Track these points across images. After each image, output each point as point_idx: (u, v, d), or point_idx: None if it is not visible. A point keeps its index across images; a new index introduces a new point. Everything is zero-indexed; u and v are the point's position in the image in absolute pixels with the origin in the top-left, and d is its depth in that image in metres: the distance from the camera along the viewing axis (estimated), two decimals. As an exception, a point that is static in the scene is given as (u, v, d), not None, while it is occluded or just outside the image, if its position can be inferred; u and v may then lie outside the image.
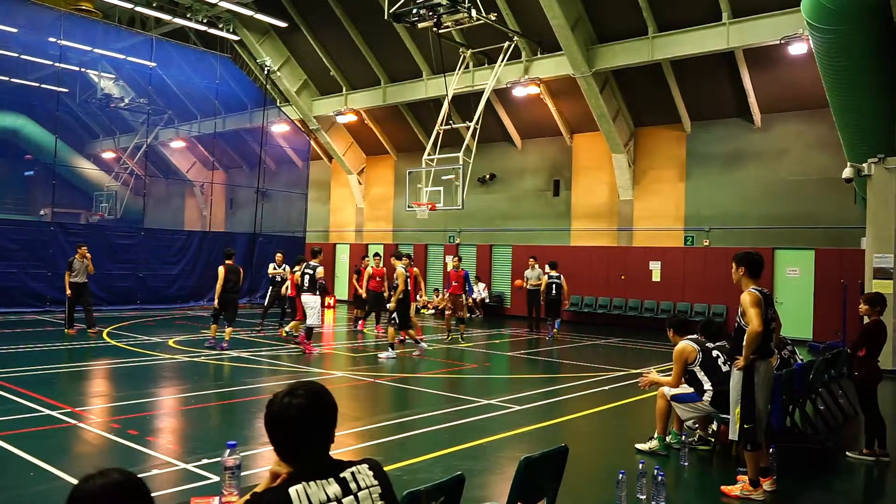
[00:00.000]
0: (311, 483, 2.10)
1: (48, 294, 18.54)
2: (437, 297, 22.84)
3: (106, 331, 14.93)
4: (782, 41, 15.42)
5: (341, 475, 2.17)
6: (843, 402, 8.68)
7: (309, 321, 12.57)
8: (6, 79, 23.98)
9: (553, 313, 16.48)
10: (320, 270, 12.47)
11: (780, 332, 5.80)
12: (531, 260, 17.54)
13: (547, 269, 16.77)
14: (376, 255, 15.91)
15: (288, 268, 15.63)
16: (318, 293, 12.48)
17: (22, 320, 16.58)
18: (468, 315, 15.22)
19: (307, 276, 12.51)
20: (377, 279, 15.18)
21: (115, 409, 8.10)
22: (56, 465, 5.64)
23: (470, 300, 15.56)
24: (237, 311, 13.40)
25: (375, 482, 2.22)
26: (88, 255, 14.71)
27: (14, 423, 6.97)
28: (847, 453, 6.82)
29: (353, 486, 2.16)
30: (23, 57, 22.89)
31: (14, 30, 21.03)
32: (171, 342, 13.53)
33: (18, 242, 18.29)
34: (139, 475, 1.83)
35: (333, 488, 2.12)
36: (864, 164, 13.00)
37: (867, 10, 10.60)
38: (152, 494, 1.82)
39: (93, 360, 11.62)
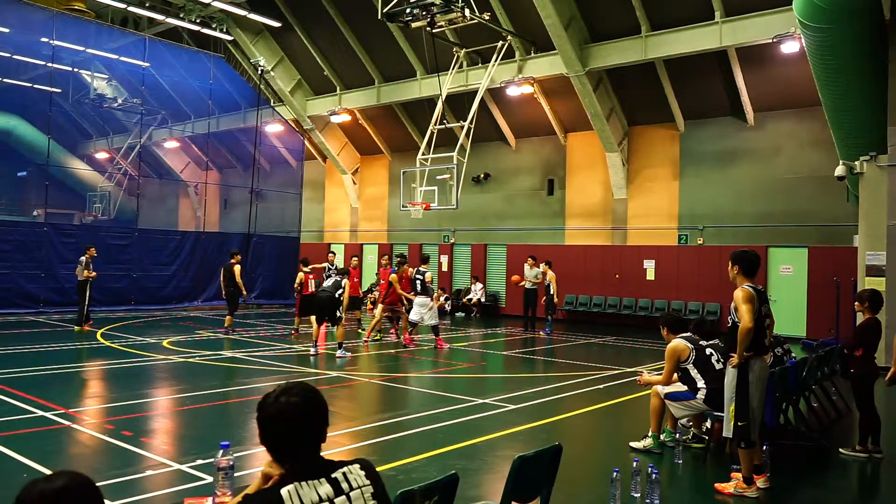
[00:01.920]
0: (303, 483, 2.10)
1: (41, 295, 18.47)
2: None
3: (100, 331, 14.89)
4: (775, 40, 15.47)
5: (333, 475, 2.17)
6: (837, 399, 8.72)
7: (429, 321, 13.98)
8: (-2, 79, 23.87)
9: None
10: (429, 275, 14.14)
11: (772, 329, 5.82)
12: (530, 259, 17.57)
13: (543, 266, 16.83)
14: (401, 257, 16.03)
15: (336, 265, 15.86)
16: (428, 295, 14.04)
17: (15, 321, 16.50)
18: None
19: (418, 281, 13.92)
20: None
21: (109, 410, 8.08)
22: (50, 466, 5.61)
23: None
24: (231, 301, 15.55)
25: (367, 482, 2.22)
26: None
27: (7, 425, 6.94)
28: (840, 450, 6.85)
29: (344, 486, 2.17)
30: (15, 57, 22.77)
31: (6, 30, 20.91)
32: (165, 343, 13.50)
33: (11, 243, 18.20)
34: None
35: (325, 488, 2.12)
36: (856, 162, 13.06)
37: (859, 9, 10.64)
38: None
39: (87, 361, 11.59)
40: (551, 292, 16.59)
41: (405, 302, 14.30)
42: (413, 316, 14.01)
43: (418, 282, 13.98)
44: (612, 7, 17.52)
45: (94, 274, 15.47)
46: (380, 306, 14.59)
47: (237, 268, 15.40)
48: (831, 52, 11.32)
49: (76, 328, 15.09)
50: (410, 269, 14.19)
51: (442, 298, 22.74)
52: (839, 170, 13.55)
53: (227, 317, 15.38)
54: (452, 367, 12.03)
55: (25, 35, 20.90)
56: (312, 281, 14.86)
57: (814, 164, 17.04)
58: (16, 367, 10.34)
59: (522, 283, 17.34)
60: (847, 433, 7.72)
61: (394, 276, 14.09)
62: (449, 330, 16.39)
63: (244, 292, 15.70)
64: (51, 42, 20.05)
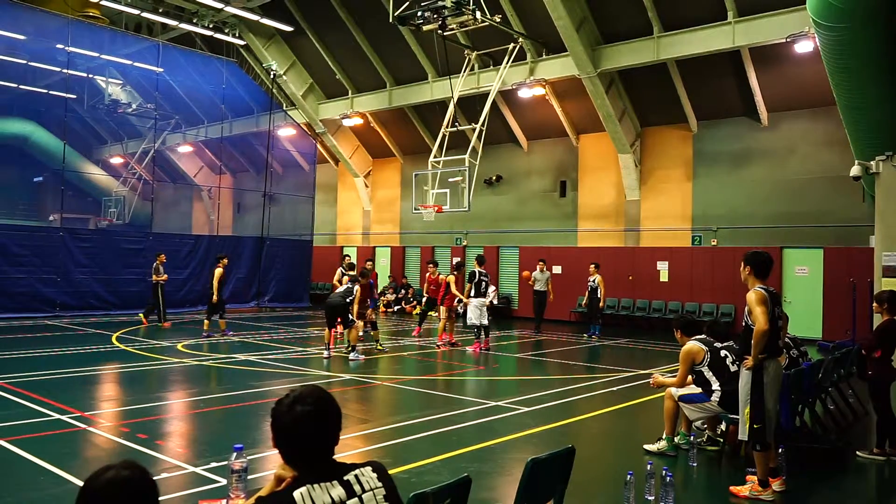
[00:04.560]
0: (316, 486, 2.11)
1: (57, 299, 18.64)
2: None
3: (115, 335, 15.01)
4: (788, 39, 15.36)
5: (345, 478, 2.18)
6: (853, 401, 8.63)
7: (484, 322, 13.96)
8: (15, 86, 24.17)
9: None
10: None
11: (786, 330, 5.78)
12: (540, 263, 17.59)
13: (591, 268, 16.91)
14: (432, 262, 16.18)
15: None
16: (485, 295, 14.27)
17: (31, 325, 16.67)
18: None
19: (484, 282, 14.22)
20: (433, 287, 15.54)
21: (124, 413, 8.13)
22: (66, 469, 5.67)
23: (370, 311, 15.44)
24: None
25: (379, 484, 2.23)
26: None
27: (24, 428, 7.01)
28: (857, 453, 6.78)
29: (356, 488, 2.17)
30: (31, 64, 23.06)
31: (22, 37, 21.16)
32: (179, 346, 13.58)
33: (28, 248, 18.40)
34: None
35: (338, 491, 2.13)
36: (871, 162, 12.92)
37: (874, 7, 10.54)
38: (163, 498, 1.86)
39: (102, 364, 11.67)
40: (598, 295, 16.66)
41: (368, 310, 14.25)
42: (474, 319, 14.00)
43: (484, 282, 14.22)
44: (623, 8, 17.46)
45: (163, 277, 17.02)
46: (442, 308, 14.74)
47: (217, 271, 15.20)
48: (846, 52, 11.22)
49: (158, 324, 16.97)
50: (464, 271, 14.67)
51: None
52: (855, 170, 13.41)
53: (205, 320, 15.30)
54: (465, 370, 12.02)
55: (41, 42, 21.14)
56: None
57: (829, 165, 16.90)
58: (32, 370, 10.44)
59: (531, 281, 17.44)
60: (864, 436, 7.64)
61: (451, 277, 14.56)
62: (461, 331, 16.38)
63: (214, 297, 15.10)
64: (66, 49, 20.25)
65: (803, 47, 15.36)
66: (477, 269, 14.31)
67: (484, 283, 14.24)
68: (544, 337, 16.88)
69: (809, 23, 12.29)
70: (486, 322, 14.05)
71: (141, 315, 17.61)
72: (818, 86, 15.73)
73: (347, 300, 12.54)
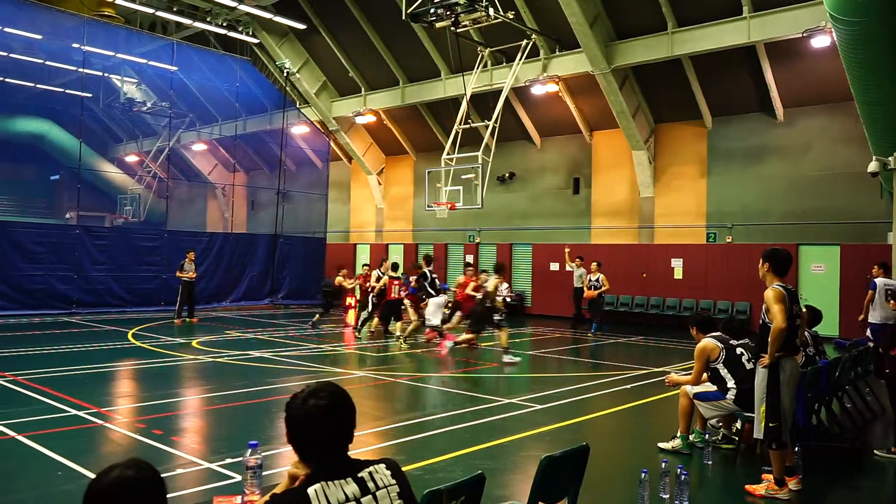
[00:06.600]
0: (330, 483, 2.11)
1: (74, 296, 18.82)
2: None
3: (131, 332, 15.13)
4: (804, 34, 15.20)
5: (359, 475, 2.18)
6: (871, 399, 8.54)
7: (437, 321, 14.18)
8: (31, 85, 24.40)
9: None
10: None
11: (804, 328, 5.72)
12: (578, 259, 17.59)
13: (594, 266, 16.79)
14: (469, 265, 16.17)
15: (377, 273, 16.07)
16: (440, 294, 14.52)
17: (49, 322, 16.83)
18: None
19: (437, 282, 14.46)
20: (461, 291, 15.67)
21: (140, 410, 8.21)
22: (83, 464, 5.72)
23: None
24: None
25: (393, 481, 2.23)
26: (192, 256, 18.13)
27: (42, 423, 7.09)
28: (875, 452, 6.71)
29: (371, 485, 2.17)
30: (47, 63, 23.29)
31: (38, 36, 21.36)
32: (194, 343, 13.67)
33: (44, 245, 18.59)
34: (162, 474, 1.87)
35: (352, 488, 2.13)
36: (889, 158, 12.76)
37: (892, 0, 10.40)
38: (178, 494, 1.86)
39: (118, 360, 11.77)
40: (602, 292, 16.62)
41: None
42: (437, 318, 14.12)
43: (436, 281, 14.44)
44: (637, 4, 17.35)
45: (188, 275, 17.68)
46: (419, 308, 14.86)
47: (338, 279, 16.66)
48: (864, 46, 11.08)
49: (187, 320, 17.59)
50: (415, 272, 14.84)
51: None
52: (872, 166, 13.25)
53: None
54: (478, 367, 12.02)
55: (57, 41, 21.33)
56: (397, 286, 14.93)
57: (846, 161, 16.72)
58: (50, 366, 10.55)
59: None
60: (882, 434, 7.57)
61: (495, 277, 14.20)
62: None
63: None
64: (82, 48, 20.42)
65: (819, 42, 15.19)
66: (426, 269, 14.41)
67: (436, 281, 14.48)
68: (556, 335, 16.83)
69: (826, 17, 12.15)
70: (435, 322, 14.20)
71: (175, 321, 17.70)
72: (835, 81, 15.56)
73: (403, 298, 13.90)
